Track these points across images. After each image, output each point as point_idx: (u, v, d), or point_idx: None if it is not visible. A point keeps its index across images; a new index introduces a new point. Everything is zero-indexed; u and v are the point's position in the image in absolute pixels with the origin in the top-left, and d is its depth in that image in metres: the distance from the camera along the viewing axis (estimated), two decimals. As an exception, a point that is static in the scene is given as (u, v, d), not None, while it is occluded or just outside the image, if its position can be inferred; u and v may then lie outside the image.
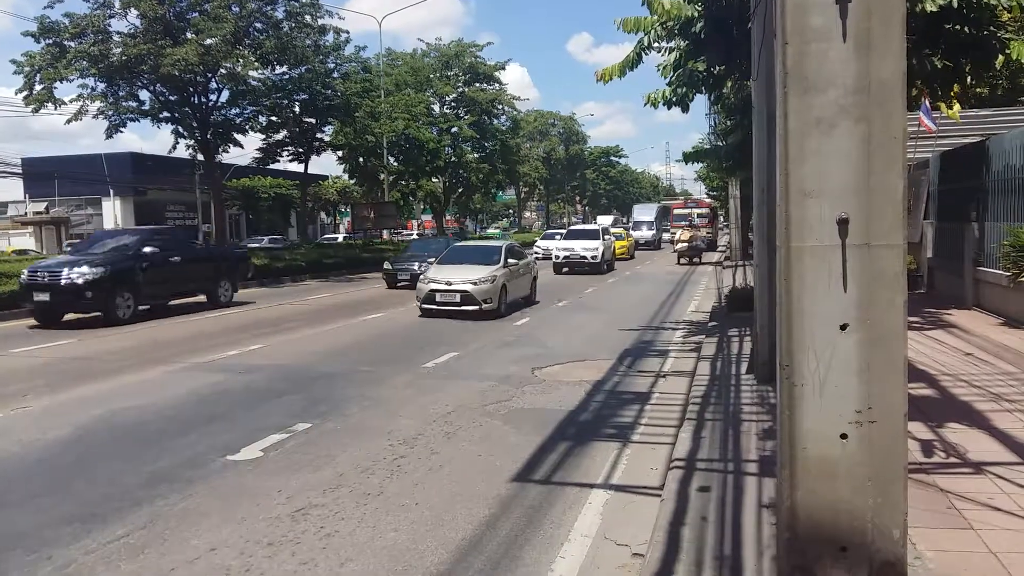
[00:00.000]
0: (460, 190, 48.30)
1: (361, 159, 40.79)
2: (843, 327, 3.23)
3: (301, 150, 34.56)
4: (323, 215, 61.17)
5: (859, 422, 3.21)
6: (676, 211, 50.55)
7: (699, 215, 46.51)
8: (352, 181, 47.20)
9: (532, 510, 5.21)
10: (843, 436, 3.23)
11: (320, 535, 4.83)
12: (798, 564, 3.32)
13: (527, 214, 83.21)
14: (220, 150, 31.12)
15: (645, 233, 49.54)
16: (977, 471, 5.03)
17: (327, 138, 36.51)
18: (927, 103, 13.62)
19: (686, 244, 33.70)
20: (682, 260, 33.52)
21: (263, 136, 33.47)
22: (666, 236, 48.75)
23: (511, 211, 77.08)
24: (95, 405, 8.33)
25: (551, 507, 5.26)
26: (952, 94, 14.42)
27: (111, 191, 42.82)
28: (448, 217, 60.07)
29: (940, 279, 14.53)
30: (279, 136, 33.96)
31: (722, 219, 53.16)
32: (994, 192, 12.10)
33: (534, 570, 4.32)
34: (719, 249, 44.89)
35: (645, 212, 55.67)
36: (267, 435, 7.02)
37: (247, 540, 4.77)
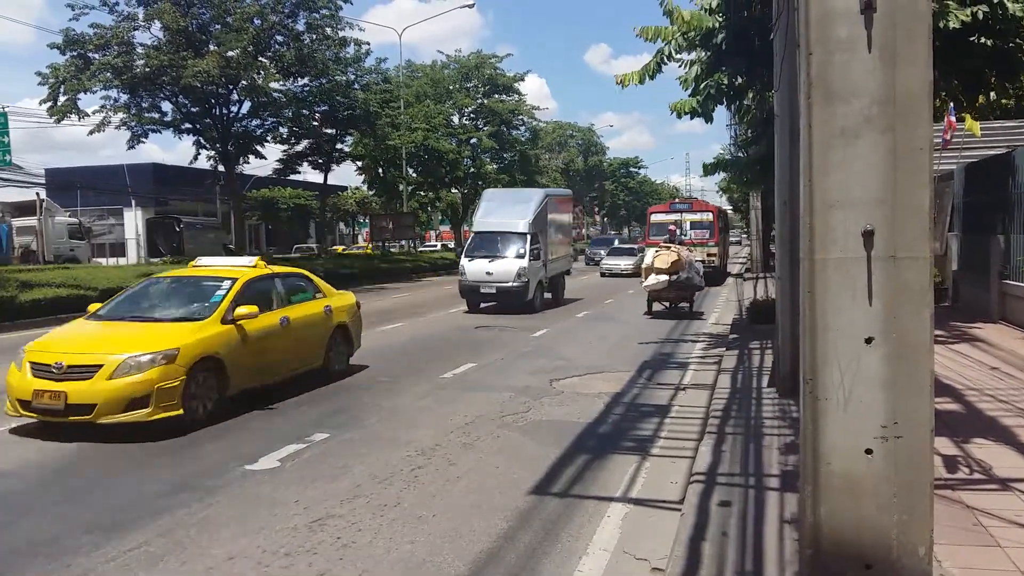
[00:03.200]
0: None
1: (380, 170, 41.02)
2: (868, 340, 3.18)
3: (321, 160, 34.82)
4: (342, 225, 61.52)
5: (884, 437, 3.16)
6: (654, 217, 30.46)
7: (694, 224, 28.53)
8: (371, 192, 47.46)
9: (550, 523, 5.17)
10: (868, 451, 3.18)
11: (337, 546, 4.82)
12: (822, 581, 3.26)
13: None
14: (241, 161, 31.46)
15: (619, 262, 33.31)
16: (1004, 487, 4.93)
17: (347, 149, 36.76)
18: (952, 115, 13.52)
19: (665, 278, 16.64)
20: (657, 306, 17.66)
21: (283, 147, 33.80)
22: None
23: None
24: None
25: (569, 520, 5.22)
26: (976, 105, 14.31)
27: (132, 201, 43.33)
28: (466, 228, 60.21)
29: (965, 292, 14.33)
30: (299, 147, 34.26)
31: (741, 230, 50.53)
32: (1020, 204, 11.91)
33: (554, 583, 4.28)
34: (735, 273, 33.21)
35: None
36: (284, 445, 7.03)
37: (264, 550, 4.77)
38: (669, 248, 17.56)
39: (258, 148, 31.52)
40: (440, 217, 53.75)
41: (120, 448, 6.97)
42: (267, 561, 4.61)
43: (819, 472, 3.24)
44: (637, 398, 9.13)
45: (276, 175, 36.77)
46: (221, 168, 31.10)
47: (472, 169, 44.14)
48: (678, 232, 23.71)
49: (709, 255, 26.26)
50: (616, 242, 46.97)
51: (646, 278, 16.90)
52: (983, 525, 4.32)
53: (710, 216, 29.43)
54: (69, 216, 34.55)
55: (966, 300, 14.06)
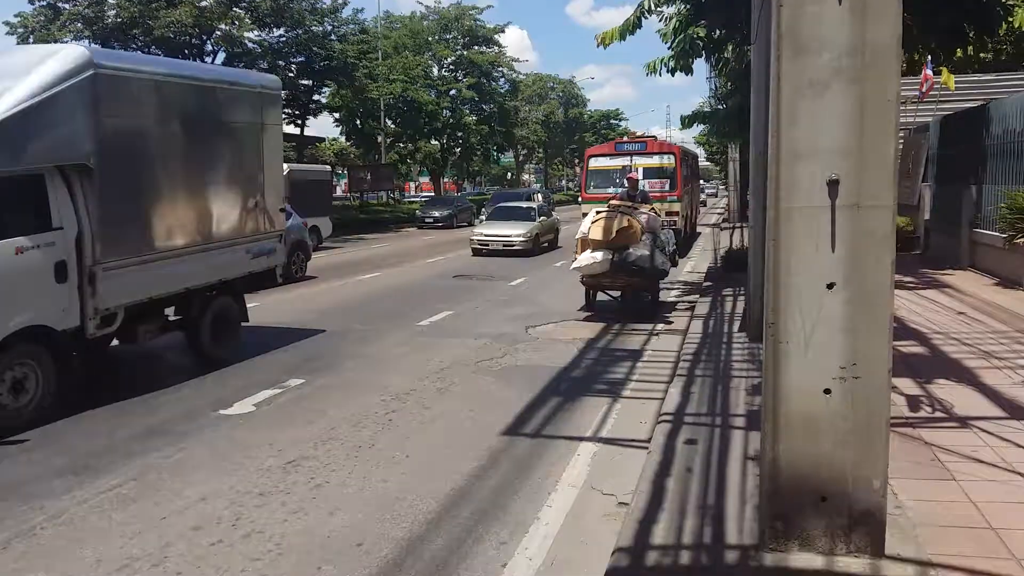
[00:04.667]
0: (458, 152, 47.92)
1: (358, 121, 40.34)
2: (830, 286, 3.23)
3: (297, 112, 34.16)
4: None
5: (843, 378, 3.23)
6: (595, 162, 21.11)
7: (649, 171, 19.77)
8: (349, 143, 46.76)
9: (521, 462, 5.25)
10: (827, 391, 3.25)
11: (310, 486, 4.88)
12: (778, 513, 3.36)
13: (525, 177, 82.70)
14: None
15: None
16: (962, 425, 5.07)
17: (324, 100, 36.09)
18: (929, 69, 13.53)
19: (604, 256, 10.40)
20: (596, 293, 11.45)
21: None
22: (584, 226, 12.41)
23: (509, 174, 76.61)
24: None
25: (540, 460, 5.31)
26: (955, 59, 14.30)
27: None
28: (446, 180, 59.71)
29: (936, 241, 14.51)
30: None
31: (719, 181, 49.75)
32: (993, 155, 12.02)
33: (521, 519, 4.37)
34: (712, 223, 28.72)
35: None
36: (259, 391, 7.05)
37: (238, 491, 4.82)
38: (620, 209, 10.71)
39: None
40: (420, 169, 53.15)
41: (93, 395, 6.95)
42: (240, 501, 4.66)
43: (779, 411, 3.32)
44: (611, 343, 9.22)
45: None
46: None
47: (451, 120, 43.55)
48: (640, 181, 14.92)
49: (669, 214, 17.85)
50: (539, 196, 31.75)
51: (579, 254, 10.73)
52: (940, 460, 4.44)
53: (671, 160, 20.23)
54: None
55: (937, 248, 14.25)
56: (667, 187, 20.05)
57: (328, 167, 28.35)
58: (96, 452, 5.53)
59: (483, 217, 23.62)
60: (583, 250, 10.67)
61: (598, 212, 10.84)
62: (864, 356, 3.20)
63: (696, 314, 9.98)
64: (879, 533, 3.28)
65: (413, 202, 48.04)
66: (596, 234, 10.43)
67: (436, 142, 45.46)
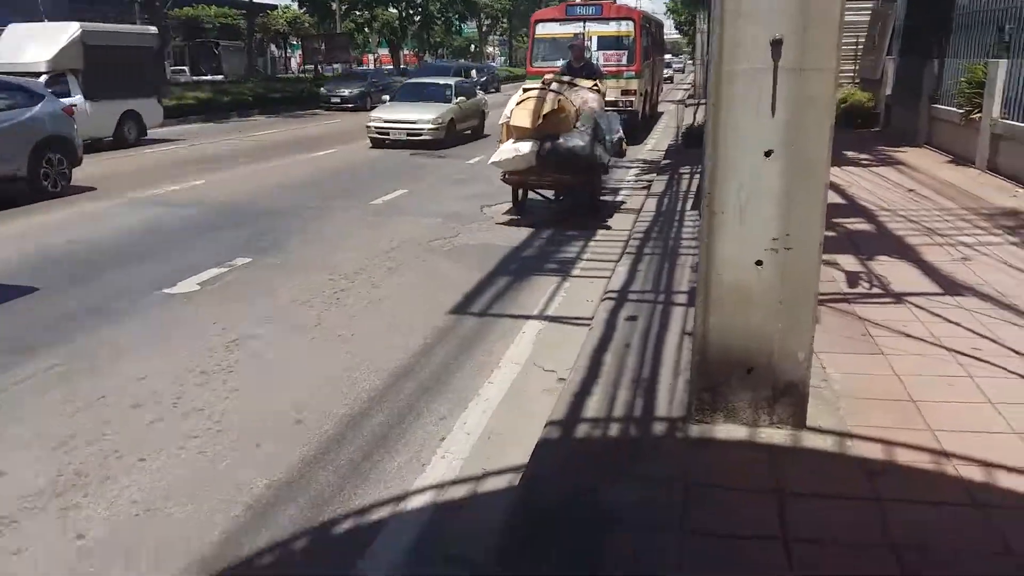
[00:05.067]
0: (418, 21, 45.84)
1: (311, -15, 38.20)
2: (768, 153, 3.15)
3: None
4: (273, 48, 57.92)
5: (775, 249, 3.21)
6: (542, 28, 17.65)
7: (603, 42, 17.27)
8: (303, 10, 44.37)
9: (466, 341, 5.28)
10: (759, 263, 3.25)
11: (254, 364, 4.88)
12: (706, 385, 3.43)
13: (489, 50, 79.79)
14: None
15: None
16: (897, 301, 5.18)
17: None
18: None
19: (528, 148, 8.29)
20: (525, 193, 9.59)
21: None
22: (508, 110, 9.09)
23: (473, 46, 73.80)
24: (26, 240, 8.11)
25: (485, 338, 5.34)
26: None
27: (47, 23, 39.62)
28: (407, 52, 57.38)
29: (897, 116, 14.41)
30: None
31: (688, 56, 48.31)
32: (958, 27, 11.78)
33: (463, 395, 4.43)
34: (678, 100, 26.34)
35: None
36: (205, 269, 6.93)
37: (179, 369, 4.79)
38: (551, 87, 8.65)
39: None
40: (378, 39, 50.86)
41: (30, 275, 6.76)
42: (181, 379, 4.65)
43: (711, 283, 3.32)
44: (565, 223, 9.16)
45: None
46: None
47: (409, -14, 41.44)
48: (589, 52, 13.74)
49: (625, 92, 16.32)
50: (475, 73, 29.69)
51: (501, 150, 8.65)
52: (871, 335, 4.55)
53: (629, 27, 17.16)
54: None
55: (897, 125, 14.18)
56: (624, 60, 16.97)
57: (153, 29, 19.13)
58: (34, 331, 5.43)
59: (387, 98, 18.95)
60: (508, 138, 8.63)
61: (525, 91, 8.75)
62: (797, 228, 3.18)
63: (652, 192, 9.92)
64: (802, 405, 3.38)
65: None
66: (519, 119, 8.30)
67: (394, 10, 43.36)
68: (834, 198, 8.81)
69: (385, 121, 16.24)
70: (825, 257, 6.26)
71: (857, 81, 17.58)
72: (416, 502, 3.35)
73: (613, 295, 5.59)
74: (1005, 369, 4.00)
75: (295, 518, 3.26)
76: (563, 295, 6.29)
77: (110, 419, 4.13)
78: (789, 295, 3.24)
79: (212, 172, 12.87)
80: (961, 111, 10.76)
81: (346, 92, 27.74)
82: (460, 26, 59.73)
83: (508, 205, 9.78)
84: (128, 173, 12.93)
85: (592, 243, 8.03)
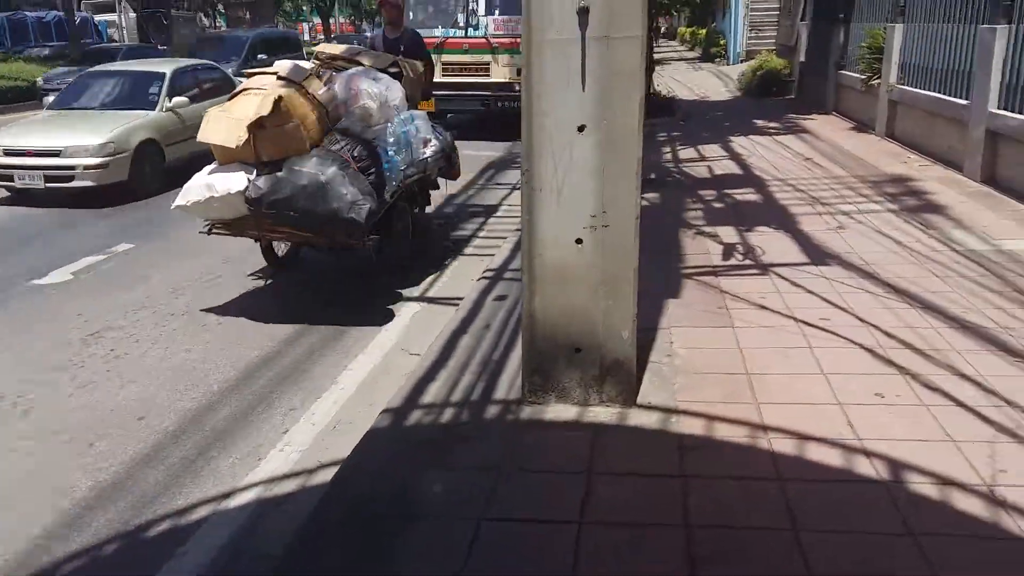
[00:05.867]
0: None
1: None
2: (581, 128, 3.11)
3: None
4: (202, 17, 55.91)
5: (594, 227, 3.19)
6: None
7: None
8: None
9: (338, 328, 5.17)
10: (579, 241, 3.22)
11: (108, 358, 4.71)
12: (537, 367, 3.41)
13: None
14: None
15: None
16: (763, 272, 5.24)
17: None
18: None
19: (229, 179, 4.90)
20: (274, 247, 6.03)
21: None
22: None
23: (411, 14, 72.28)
24: None
25: (357, 323, 5.24)
26: None
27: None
28: (342, 20, 56.03)
29: (809, 83, 14.56)
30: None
31: None
32: (862, -10, 11.92)
33: (319, 384, 4.33)
34: None
35: None
36: (82, 257, 6.68)
37: (29, 365, 4.62)
38: (293, 74, 5.24)
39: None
40: (310, 7, 49.44)
41: None
42: (29, 377, 4.47)
43: (534, 263, 3.29)
44: (469, 199, 9.05)
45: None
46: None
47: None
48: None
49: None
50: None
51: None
52: (727, 308, 4.59)
53: None
54: None
55: (809, 92, 14.35)
56: (514, 23, 11.60)
57: None
58: None
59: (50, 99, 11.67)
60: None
61: (247, 83, 5.36)
62: (614, 204, 3.16)
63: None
64: (630, 383, 3.39)
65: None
66: (214, 132, 5.02)
67: (325, -23, 42.17)
68: (731, 168, 8.92)
69: (6, 153, 8.60)
70: (707, 230, 6.40)
71: (774, 49, 17.74)
72: (241, 499, 3.27)
73: (490, 274, 5.58)
74: (846, 339, 4.08)
75: (112, 521, 3.16)
76: (448, 275, 6.19)
77: (-60, 421, 3.95)
78: (609, 274, 3.22)
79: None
80: (863, 77, 10.93)
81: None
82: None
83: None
84: None
85: (492, 219, 7.93)
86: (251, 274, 6.21)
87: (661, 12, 34.06)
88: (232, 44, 16.12)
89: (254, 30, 20.29)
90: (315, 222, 4.87)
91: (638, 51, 3.03)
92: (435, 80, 7.73)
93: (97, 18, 34.04)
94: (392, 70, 6.08)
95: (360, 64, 5.93)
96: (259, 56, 15.48)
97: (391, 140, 5.50)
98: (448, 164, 6.70)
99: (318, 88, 5.33)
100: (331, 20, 46.92)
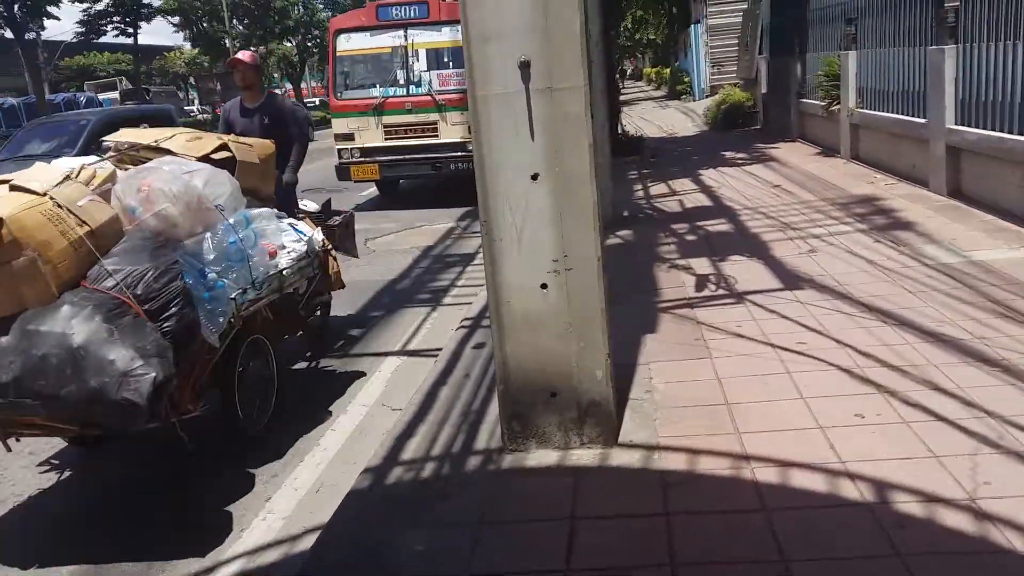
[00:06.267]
0: (316, 54, 45.50)
1: (203, 24, 37.53)
2: (534, 177, 3.15)
3: (128, 19, 31.39)
4: (175, 90, 56.67)
5: (556, 271, 3.21)
6: (345, 41, 11.43)
7: (435, 51, 11.26)
8: (196, 50, 43.59)
9: (319, 386, 5.12)
10: (543, 286, 3.24)
11: None
12: (514, 413, 3.39)
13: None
14: (31, 25, 27.84)
15: None
16: (738, 300, 5.26)
17: (156, 3, 33.22)
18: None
19: None
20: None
21: (82, 6, 30.07)
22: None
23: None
24: None
25: (338, 381, 5.20)
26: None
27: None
28: (314, 84, 56.93)
29: (773, 114, 14.90)
30: (100, 5, 30.60)
31: None
32: (814, 22, 12.27)
33: (302, 447, 4.25)
34: None
35: None
36: None
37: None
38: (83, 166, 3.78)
39: (50, 9, 27.90)
40: (280, 74, 50.24)
41: None
42: None
43: (501, 311, 3.29)
44: (447, 249, 9.11)
45: (81, 39, 32.88)
46: (9, 35, 27.45)
47: (304, 18, 41.07)
48: (416, 68, 11.17)
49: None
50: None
51: None
52: (704, 339, 4.60)
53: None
54: None
55: (773, 122, 14.66)
56: (454, 81, 11.03)
57: None
58: None
59: None
60: None
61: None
62: (574, 247, 3.19)
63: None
64: (610, 422, 3.37)
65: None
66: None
67: (290, 43, 42.94)
68: (702, 200, 9.03)
69: None
70: (680, 262, 6.44)
71: (737, 83, 18.15)
72: (225, 573, 3.19)
73: (468, 322, 5.56)
74: (824, 361, 4.08)
75: (91, 605, 3.07)
76: (428, 326, 6.19)
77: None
78: (577, 316, 3.23)
79: None
80: (823, 104, 11.18)
81: None
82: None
83: (393, 236, 9.59)
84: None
85: (470, 267, 7.95)
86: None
87: (625, 55, 34.86)
88: (66, 130, 11.72)
89: (103, 109, 18.00)
90: (68, 409, 3.10)
91: (582, 99, 3.09)
92: (377, 145, 7.28)
93: (101, 96, 35.71)
94: (219, 155, 4.35)
95: (168, 152, 4.18)
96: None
97: (211, 257, 3.73)
98: (322, 272, 5.05)
99: (81, 196, 3.52)
100: (302, 85, 47.66)
